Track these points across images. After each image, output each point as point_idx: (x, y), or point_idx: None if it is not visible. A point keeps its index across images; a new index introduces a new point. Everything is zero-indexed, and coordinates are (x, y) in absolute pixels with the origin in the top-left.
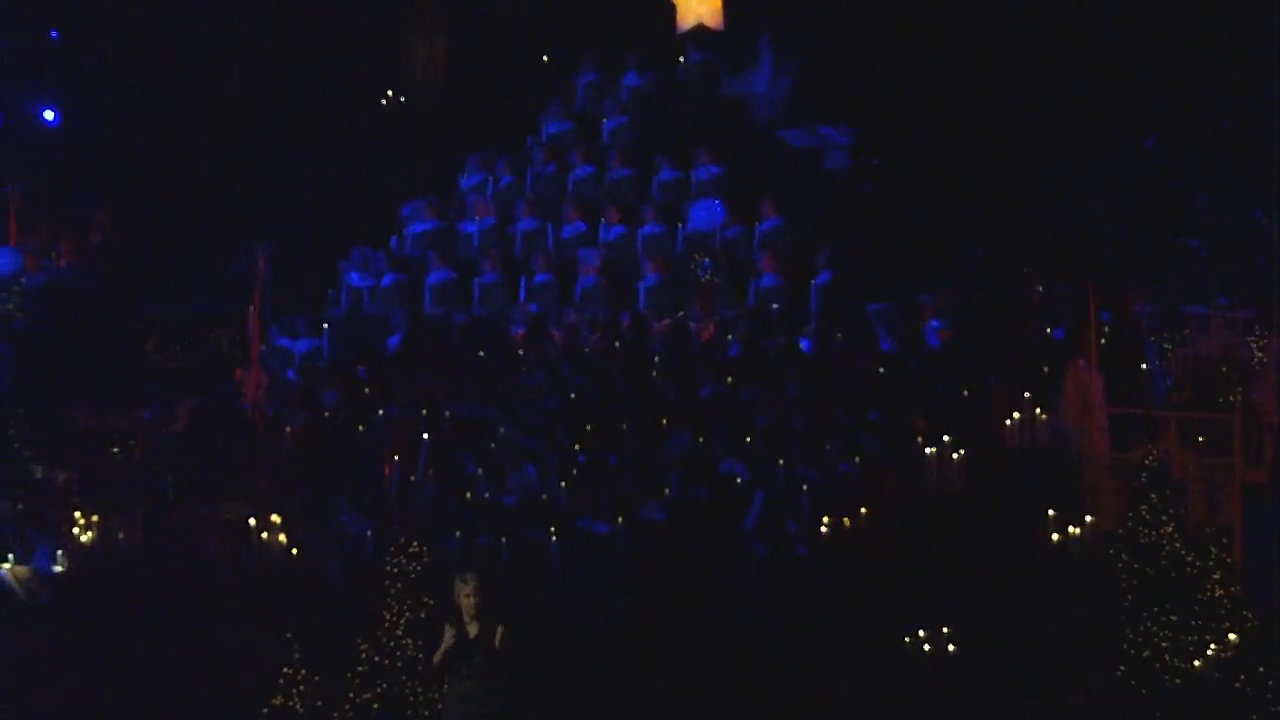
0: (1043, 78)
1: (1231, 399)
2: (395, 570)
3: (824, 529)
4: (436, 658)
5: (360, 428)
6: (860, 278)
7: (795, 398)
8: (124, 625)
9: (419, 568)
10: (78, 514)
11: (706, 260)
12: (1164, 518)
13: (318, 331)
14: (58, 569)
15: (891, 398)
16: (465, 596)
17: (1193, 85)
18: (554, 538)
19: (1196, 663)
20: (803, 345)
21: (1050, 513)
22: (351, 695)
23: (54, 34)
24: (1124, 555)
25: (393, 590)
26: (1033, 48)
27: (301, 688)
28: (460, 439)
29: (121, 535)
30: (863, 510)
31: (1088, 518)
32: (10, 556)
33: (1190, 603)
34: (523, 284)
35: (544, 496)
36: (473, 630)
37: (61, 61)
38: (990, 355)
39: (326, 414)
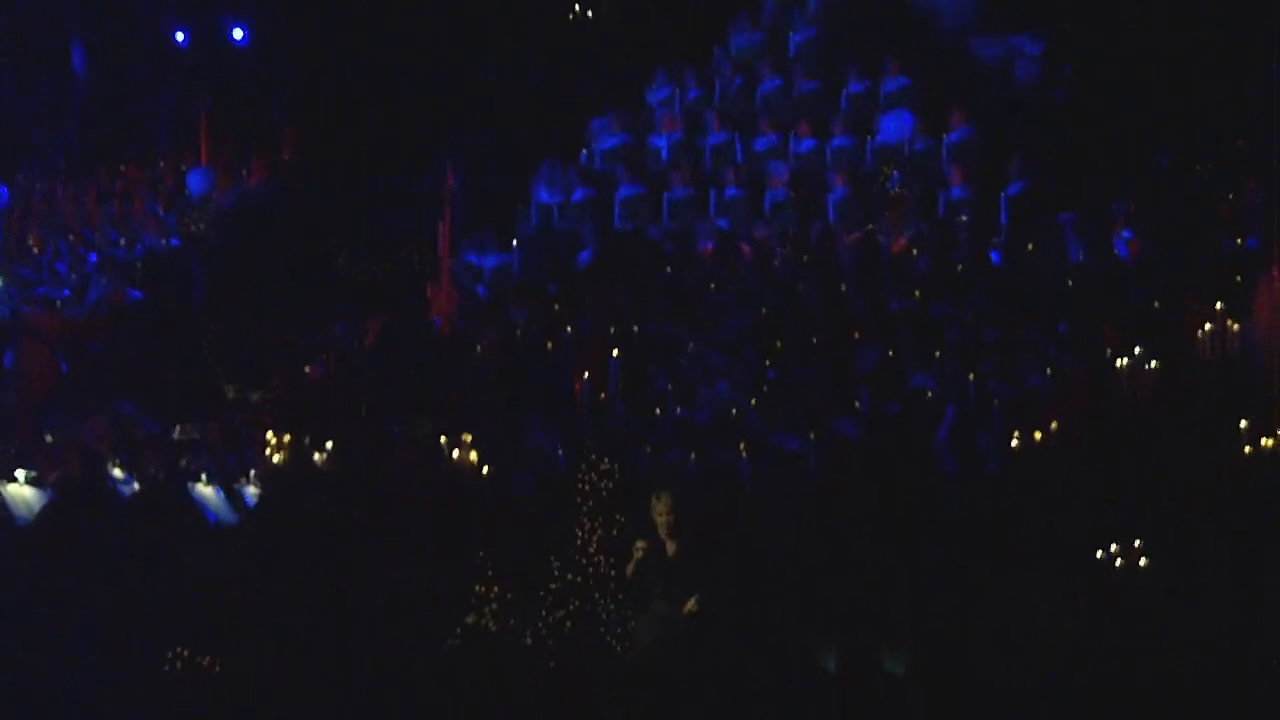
0: None
1: None
2: (587, 487)
3: (1014, 443)
4: (629, 570)
5: (550, 344)
6: (1051, 188)
7: (985, 311)
8: (315, 546)
9: (610, 484)
10: (269, 434)
11: (895, 172)
12: None
13: (507, 247)
14: (251, 490)
15: (1082, 309)
16: (660, 514)
17: None
18: (745, 454)
19: None
20: (992, 258)
21: (1242, 424)
22: (544, 613)
23: None
24: None
25: (584, 507)
26: None
27: (494, 606)
28: (650, 356)
29: (313, 454)
30: (1054, 424)
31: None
32: (203, 476)
33: None
34: (712, 198)
35: (734, 413)
36: (669, 549)
37: None
38: (1182, 265)
39: (516, 331)
